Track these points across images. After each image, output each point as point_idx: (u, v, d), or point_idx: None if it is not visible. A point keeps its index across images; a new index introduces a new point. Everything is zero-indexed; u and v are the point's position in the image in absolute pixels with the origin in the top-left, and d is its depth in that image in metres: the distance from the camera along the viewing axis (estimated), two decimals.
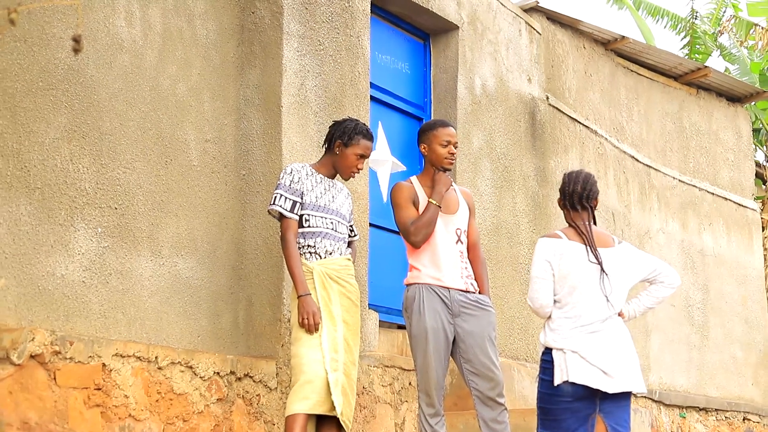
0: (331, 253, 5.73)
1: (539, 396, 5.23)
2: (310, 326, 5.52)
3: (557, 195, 5.48)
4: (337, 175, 5.93)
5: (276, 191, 5.72)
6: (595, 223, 5.35)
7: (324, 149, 5.95)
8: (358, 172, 5.95)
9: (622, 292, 5.26)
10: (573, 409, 5.09)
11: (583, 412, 5.10)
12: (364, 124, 5.92)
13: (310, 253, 5.69)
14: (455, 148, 5.95)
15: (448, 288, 5.80)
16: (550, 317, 5.23)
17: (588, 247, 5.19)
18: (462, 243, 5.93)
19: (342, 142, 5.83)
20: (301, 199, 5.72)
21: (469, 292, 5.84)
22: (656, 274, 5.38)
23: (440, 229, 5.86)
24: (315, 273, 5.64)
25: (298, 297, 5.56)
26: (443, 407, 5.86)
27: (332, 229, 5.76)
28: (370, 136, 5.89)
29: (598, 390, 5.07)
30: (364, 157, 5.88)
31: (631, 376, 5.15)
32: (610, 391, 5.06)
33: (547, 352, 5.20)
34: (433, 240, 5.84)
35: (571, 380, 5.07)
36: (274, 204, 5.69)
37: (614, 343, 5.16)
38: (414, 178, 6.01)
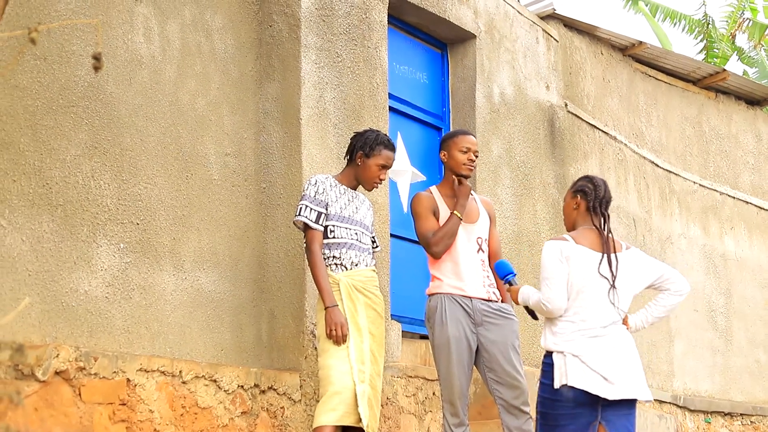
0: (356, 265, 5.72)
1: (540, 400, 5.11)
2: (338, 338, 5.52)
3: (577, 196, 5.31)
4: (359, 186, 5.94)
5: (301, 202, 5.71)
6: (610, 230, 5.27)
7: (346, 161, 5.96)
8: (381, 183, 5.96)
9: (628, 298, 5.15)
10: (573, 415, 4.97)
11: (583, 418, 4.97)
12: (386, 135, 5.93)
13: (336, 264, 5.69)
14: (475, 156, 5.95)
15: (470, 297, 5.80)
16: (552, 320, 5.14)
17: (604, 255, 5.11)
18: (483, 252, 5.92)
19: (364, 153, 5.83)
20: (326, 210, 5.72)
21: (491, 300, 5.83)
22: (663, 281, 5.23)
23: (461, 238, 5.86)
24: (341, 284, 5.64)
25: (325, 308, 5.56)
26: (468, 417, 5.85)
27: (357, 239, 5.76)
28: (392, 147, 5.89)
29: (599, 397, 4.95)
30: (386, 167, 5.88)
31: (633, 384, 5.02)
32: (610, 397, 4.93)
33: (548, 355, 5.10)
34: (454, 250, 5.84)
35: (570, 384, 4.95)
36: (299, 215, 5.69)
37: (617, 349, 5.04)
38: (434, 188, 6.00)
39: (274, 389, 6.10)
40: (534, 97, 8.79)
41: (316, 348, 6.23)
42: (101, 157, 5.55)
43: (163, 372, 5.49)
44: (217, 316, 6.10)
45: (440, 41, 8.29)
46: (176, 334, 5.84)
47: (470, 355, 5.78)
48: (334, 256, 5.69)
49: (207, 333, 6.03)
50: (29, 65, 5.24)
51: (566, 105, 9.16)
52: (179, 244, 5.93)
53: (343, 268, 5.69)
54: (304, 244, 5.73)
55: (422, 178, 7.93)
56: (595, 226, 5.20)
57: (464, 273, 5.82)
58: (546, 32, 9.05)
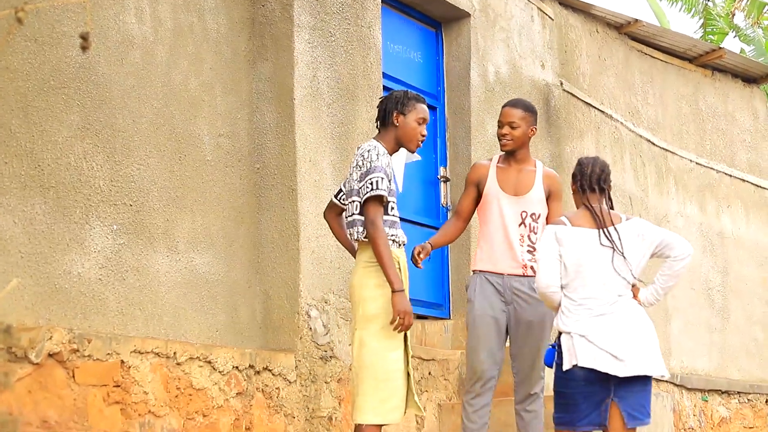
0: (404, 243, 5.36)
1: (555, 379, 5.19)
2: (404, 327, 5.11)
3: (571, 181, 5.41)
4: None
5: (375, 174, 5.16)
6: (612, 207, 5.31)
7: (377, 129, 5.50)
8: (424, 140, 5.51)
9: (633, 268, 5.15)
10: (585, 394, 5.03)
11: (596, 397, 5.04)
12: (413, 91, 5.59)
13: (394, 242, 5.24)
14: (512, 128, 5.92)
15: (501, 274, 5.79)
16: (562, 301, 5.17)
17: (600, 230, 5.14)
18: (526, 226, 5.84)
19: (399, 112, 5.37)
20: (390, 184, 5.29)
21: (526, 276, 5.78)
22: (663, 247, 5.21)
23: (495, 213, 5.84)
24: (401, 262, 5.25)
25: (393, 292, 5.08)
26: (491, 396, 5.81)
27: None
28: (423, 100, 5.49)
29: (609, 375, 5.00)
30: (425, 121, 5.44)
31: (645, 359, 5.04)
32: (620, 374, 4.98)
33: (560, 335, 5.17)
34: (488, 226, 5.86)
35: (579, 364, 5.01)
36: (377, 188, 5.13)
37: (625, 325, 5.06)
38: (497, 156, 6.03)
39: (269, 370, 6.10)
40: (529, 76, 8.75)
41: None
42: (93, 138, 5.52)
43: (157, 353, 5.48)
44: (212, 297, 6.09)
45: (434, 20, 8.26)
46: (170, 315, 5.83)
47: (498, 333, 5.76)
48: (391, 235, 5.22)
49: (201, 314, 6.02)
50: (20, 46, 5.21)
51: (561, 83, 9.13)
52: (173, 226, 5.91)
53: (397, 245, 5.27)
54: (362, 219, 5.23)
55: (417, 158, 7.90)
56: (585, 205, 5.26)
57: (497, 249, 5.83)
58: (541, 10, 9.01)
